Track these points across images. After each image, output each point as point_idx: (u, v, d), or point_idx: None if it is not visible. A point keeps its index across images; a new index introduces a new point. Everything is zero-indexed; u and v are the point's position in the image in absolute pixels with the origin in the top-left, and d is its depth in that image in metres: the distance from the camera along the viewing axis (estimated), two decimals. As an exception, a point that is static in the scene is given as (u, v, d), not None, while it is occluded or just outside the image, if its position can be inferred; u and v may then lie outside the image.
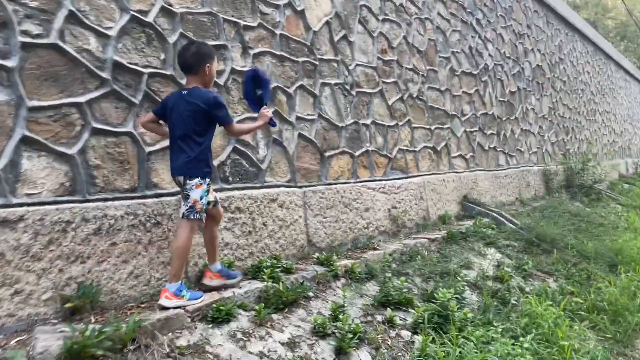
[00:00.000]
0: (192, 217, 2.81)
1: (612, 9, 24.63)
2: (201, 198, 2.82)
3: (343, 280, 3.83)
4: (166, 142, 3.15)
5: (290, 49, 4.40)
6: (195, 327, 2.70)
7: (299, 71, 4.47)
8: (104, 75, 3.00)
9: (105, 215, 2.83)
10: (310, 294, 3.39)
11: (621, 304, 4.42)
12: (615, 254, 6.06)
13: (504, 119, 8.59)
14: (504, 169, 8.38)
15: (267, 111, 3.11)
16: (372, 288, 3.85)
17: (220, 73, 3.70)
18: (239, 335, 2.76)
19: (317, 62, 4.68)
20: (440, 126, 6.68)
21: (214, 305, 2.82)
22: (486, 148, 7.91)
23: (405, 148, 5.89)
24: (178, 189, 3.03)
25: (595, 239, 6.87)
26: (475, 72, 7.72)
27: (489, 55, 8.22)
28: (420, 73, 6.33)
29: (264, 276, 3.22)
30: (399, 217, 5.26)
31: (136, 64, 3.17)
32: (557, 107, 11.39)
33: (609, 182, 14.12)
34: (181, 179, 2.84)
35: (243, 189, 3.74)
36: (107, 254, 2.82)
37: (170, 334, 2.54)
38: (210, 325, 2.74)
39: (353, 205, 4.74)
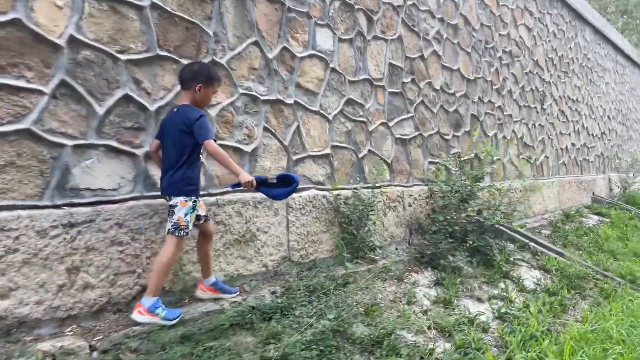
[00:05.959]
0: (177, 235, 2.74)
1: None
2: (185, 215, 2.76)
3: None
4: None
5: None
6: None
7: None
8: None
9: None
10: None
11: None
12: None
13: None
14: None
15: (251, 183, 2.82)
16: None
17: None
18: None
19: None
20: None
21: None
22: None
23: None
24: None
25: None
26: None
27: None
28: None
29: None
30: None
31: None
32: (422, 69, 5.72)
33: (562, 214, 8.37)
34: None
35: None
36: None
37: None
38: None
39: None
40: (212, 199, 3.33)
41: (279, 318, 3.00)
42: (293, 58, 4.10)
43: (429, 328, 3.51)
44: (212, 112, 3.44)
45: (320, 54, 4.36)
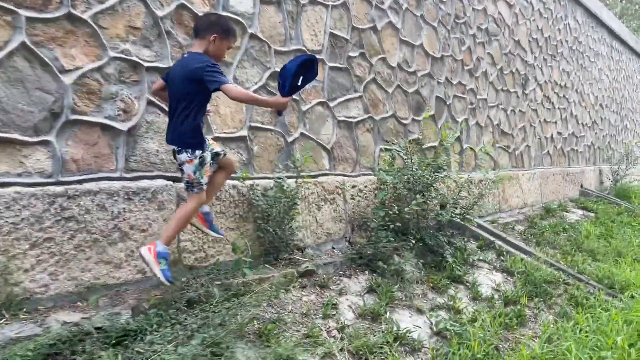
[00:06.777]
0: (192, 192, 2.74)
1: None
2: (194, 173, 2.71)
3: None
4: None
5: None
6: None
7: None
8: None
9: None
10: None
11: None
12: None
13: None
14: None
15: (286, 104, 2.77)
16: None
17: None
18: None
19: None
20: None
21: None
22: None
23: None
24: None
25: None
26: None
27: None
28: None
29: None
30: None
31: None
32: (375, 43, 4.99)
33: (542, 208, 7.69)
34: (175, 147, 2.75)
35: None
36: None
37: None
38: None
39: None
40: (61, 188, 2.62)
41: (128, 344, 2.31)
42: (195, 19, 3.38)
43: (341, 350, 2.82)
44: (67, 79, 2.73)
45: (234, 17, 3.64)
